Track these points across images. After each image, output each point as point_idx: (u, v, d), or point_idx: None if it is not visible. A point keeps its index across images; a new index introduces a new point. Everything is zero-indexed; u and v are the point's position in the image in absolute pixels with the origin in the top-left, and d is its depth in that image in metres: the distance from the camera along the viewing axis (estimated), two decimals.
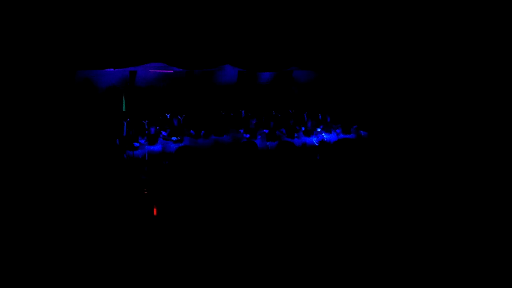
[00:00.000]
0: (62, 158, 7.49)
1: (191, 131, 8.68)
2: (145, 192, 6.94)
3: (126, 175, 7.69)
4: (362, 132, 9.42)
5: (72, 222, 5.27)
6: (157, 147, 8.29)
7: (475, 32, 8.23)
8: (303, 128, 9.38)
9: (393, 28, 9.17)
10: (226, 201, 6.19)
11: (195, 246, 4.55)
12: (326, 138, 9.22)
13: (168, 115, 8.90)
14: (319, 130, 9.37)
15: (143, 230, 5.11)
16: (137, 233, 4.99)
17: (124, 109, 9.55)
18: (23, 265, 4.07)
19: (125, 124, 8.39)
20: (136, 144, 8.08)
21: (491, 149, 7.66)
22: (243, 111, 9.54)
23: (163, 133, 8.47)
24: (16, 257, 4.26)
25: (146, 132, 8.34)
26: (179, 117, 8.96)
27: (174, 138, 8.39)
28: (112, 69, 8.76)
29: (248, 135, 8.92)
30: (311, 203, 6.06)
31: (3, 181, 6.54)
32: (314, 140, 9.22)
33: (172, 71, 9.68)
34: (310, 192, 6.69)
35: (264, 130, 9.15)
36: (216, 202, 6.15)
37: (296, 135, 9.22)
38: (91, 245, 4.55)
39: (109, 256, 4.31)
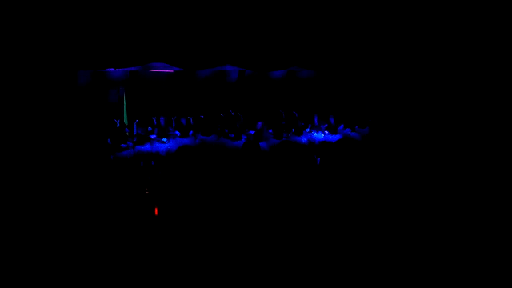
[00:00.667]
0: (61, 158, 7.51)
1: (176, 131, 8.52)
2: (146, 192, 6.95)
3: (125, 175, 7.70)
4: (348, 131, 9.37)
5: (73, 223, 5.29)
6: (145, 147, 8.15)
7: (473, 29, 8.22)
8: (293, 129, 9.17)
9: (380, 28, 9.17)
10: (223, 201, 6.20)
11: (196, 245, 4.57)
12: (316, 137, 9.11)
13: (155, 117, 8.78)
14: (307, 130, 9.22)
15: (145, 230, 5.13)
16: (139, 233, 5.00)
17: (125, 110, 9.58)
18: (24, 266, 4.08)
19: (117, 123, 8.31)
20: (123, 145, 7.97)
21: (488, 150, 7.64)
22: (231, 111, 9.34)
23: (151, 135, 8.34)
24: (17, 259, 4.27)
25: (135, 132, 8.22)
26: (172, 118, 8.86)
27: (164, 140, 8.25)
28: (113, 69, 8.79)
29: (233, 135, 8.68)
30: (303, 203, 6.07)
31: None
32: (303, 139, 9.09)
33: (172, 71, 9.72)
34: (302, 191, 6.68)
35: (250, 131, 8.91)
36: (213, 202, 6.16)
37: (285, 135, 9.03)
38: (93, 245, 4.57)
39: (110, 255, 4.33)
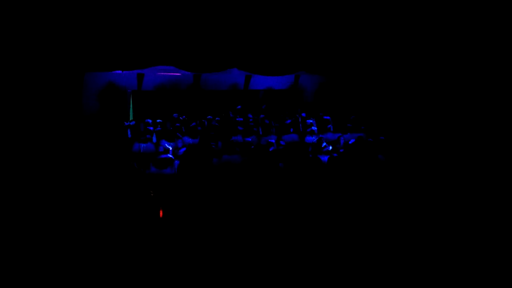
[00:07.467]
0: (63, 159, 7.49)
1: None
2: (151, 194, 6.90)
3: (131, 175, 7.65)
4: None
5: (77, 224, 5.26)
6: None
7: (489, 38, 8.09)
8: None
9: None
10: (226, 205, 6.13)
11: (200, 248, 4.52)
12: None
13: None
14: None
15: (150, 232, 5.09)
16: (144, 235, 4.96)
17: (131, 113, 9.59)
18: (29, 266, 4.05)
19: None
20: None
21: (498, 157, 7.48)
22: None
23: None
24: (22, 258, 4.25)
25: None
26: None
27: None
28: (120, 71, 8.81)
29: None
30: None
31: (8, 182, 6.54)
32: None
33: (179, 74, 9.74)
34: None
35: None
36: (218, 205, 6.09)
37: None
38: (98, 246, 4.53)
39: (115, 256, 4.29)
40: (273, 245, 4.60)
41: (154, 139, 8.16)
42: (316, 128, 8.98)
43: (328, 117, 9.61)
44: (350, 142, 8.28)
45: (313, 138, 8.70)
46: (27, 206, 5.85)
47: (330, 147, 8.07)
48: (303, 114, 9.84)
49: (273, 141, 8.30)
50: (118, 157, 7.71)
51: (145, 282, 3.84)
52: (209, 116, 9.30)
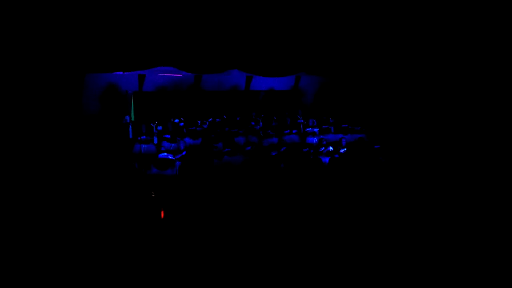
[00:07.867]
0: (64, 159, 7.48)
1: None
2: (152, 195, 6.89)
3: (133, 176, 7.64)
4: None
5: (78, 224, 5.26)
6: None
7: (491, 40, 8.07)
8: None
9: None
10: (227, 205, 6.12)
11: (202, 249, 4.52)
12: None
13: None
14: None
15: (151, 233, 5.09)
16: (145, 236, 4.96)
17: (132, 113, 9.59)
18: (29, 266, 4.05)
19: None
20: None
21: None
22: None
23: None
24: (23, 259, 4.25)
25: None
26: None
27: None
28: (121, 72, 8.81)
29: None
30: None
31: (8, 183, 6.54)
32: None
33: (180, 75, 9.74)
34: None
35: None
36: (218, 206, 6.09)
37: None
38: (99, 247, 4.53)
39: (116, 257, 4.29)
40: (274, 245, 4.60)
41: (155, 141, 8.15)
42: (317, 129, 8.98)
43: (329, 118, 9.63)
44: (350, 143, 8.28)
45: (314, 139, 8.70)
46: (28, 206, 5.85)
47: (331, 148, 8.05)
48: (301, 119, 9.85)
49: (275, 142, 8.32)
50: (119, 158, 7.72)
51: (146, 282, 3.84)
52: (209, 119, 9.32)
